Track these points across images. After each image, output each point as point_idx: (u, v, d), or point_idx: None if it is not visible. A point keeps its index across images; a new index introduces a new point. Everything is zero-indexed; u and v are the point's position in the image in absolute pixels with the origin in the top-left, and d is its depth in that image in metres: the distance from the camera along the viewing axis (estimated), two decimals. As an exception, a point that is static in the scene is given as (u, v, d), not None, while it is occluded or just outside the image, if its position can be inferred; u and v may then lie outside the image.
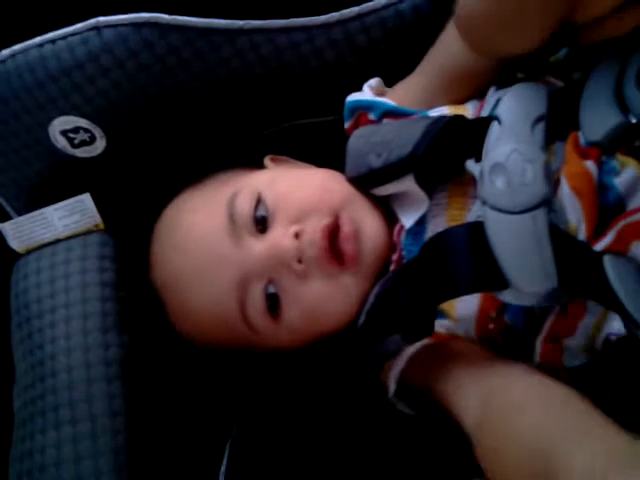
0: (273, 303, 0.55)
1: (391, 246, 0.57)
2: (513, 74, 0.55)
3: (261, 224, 0.56)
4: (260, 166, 0.63)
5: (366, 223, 0.56)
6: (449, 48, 0.55)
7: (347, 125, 0.61)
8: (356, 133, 0.58)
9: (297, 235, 0.54)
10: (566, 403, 0.42)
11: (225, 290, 0.55)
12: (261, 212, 0.56)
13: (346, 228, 0.54)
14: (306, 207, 0.55)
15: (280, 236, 0.54)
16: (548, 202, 0.46)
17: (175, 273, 0.58)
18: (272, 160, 0.64)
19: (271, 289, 0.55)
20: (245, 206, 0.56)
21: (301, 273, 0.54)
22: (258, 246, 0.55)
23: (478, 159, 0.50)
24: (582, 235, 0.46)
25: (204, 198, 0.60)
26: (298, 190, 0.57)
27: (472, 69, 0.55)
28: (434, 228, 0.54)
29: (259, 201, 0.56)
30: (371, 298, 0.54)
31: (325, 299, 0.55)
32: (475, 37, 0.51)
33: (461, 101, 0.57)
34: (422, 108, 0.57)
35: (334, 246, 0.54)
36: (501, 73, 0.55)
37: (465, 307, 0.52)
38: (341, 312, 0.55)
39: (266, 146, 0.65)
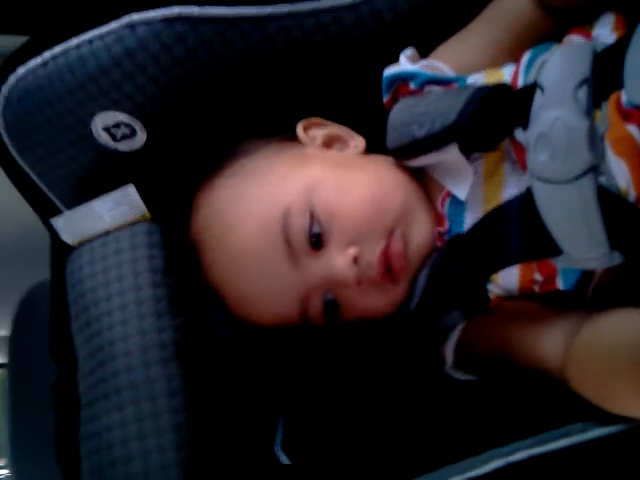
0: (332, 310, 0.58)
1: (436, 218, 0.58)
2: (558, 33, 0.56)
3: (316, 240, 0.56)
4: (291, 133, 0.63)
5: (416, 233, 0.57)
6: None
7: (385, 99, 0.61)
8: (398, 106, 0.58)
9: (355, 259, 0.55)
10: None
11: (289, 307, 0.58)
12: (316, 230, 0.56)
13: (396, 249, 0.56)
14: (362, 228, 0.56)
15: (339, 260, 0.56)
16: (595, 168, 0.46)
17: (235, 292, 0.59)
18: (305, 129, 0.63)
19: (329, 296, 0.58)
20: (300, 227, 0.56)
21: (360, 290, 0.56)
22: (316, 267, 0.56)
23: (525, 128, 0.50)
24: (632, 198, 0.46)
25: (251, 201, 0.58)
26: (352, 206, 0.56)
27: (537, 21, 0.56)
28: (473, 197, 0.55)
29: (312, 217, 0.56)
30: (421, 280, 0.55)
31: (379, 305, 0.58)
32: None
33: (517, 60, 0.56)
34: (480, 67, 0.57)
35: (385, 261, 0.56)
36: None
37: (506, 276, 0.53)
38: (391, 310, 0.58)
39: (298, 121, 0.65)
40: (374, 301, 0.57)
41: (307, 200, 0.56)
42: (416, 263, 0.57)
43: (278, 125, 0.64)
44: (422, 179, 0.60)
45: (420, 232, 0.57)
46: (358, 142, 0.63)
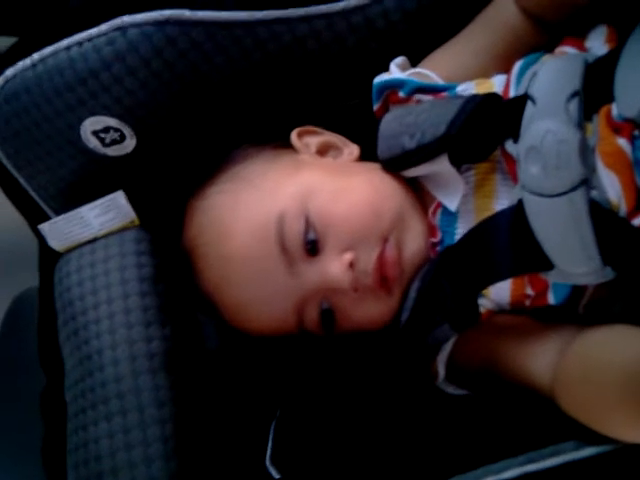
0: (328, 319, 0.58)
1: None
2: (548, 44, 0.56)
3: (311, 246, 0.56)
4: (284, 141, 0.63)
5: (409, 240, 0.56)
6: (507, 8, 0.56)
7: (376, 107, 0.61)
8: (388, 116, 0.58)
9: (351, 264, 0.55)
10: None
11: (284, 315, 0.57)
12: (311, 236, 0.55)
13: (390, 256, 0.55)
14: (357, 235, 0.55)
15: (335, 266, 0.55)
16: (586, 181, 0.46)
17: (231, 299, 0.59)
18: (299, 136, 0.63)
19: (325, 304, 0.57)
20: (295, 233, 0.55)
21: (355, 297, 0.56)
22: (312, 273, 0.56)
23: (516, 140, 0.49)
24: (623, 212, 0.45)
25: (245, 207, 0.58)
26: (347, 211, 0.56)
27: (527, 33, 0.56)
28: (465, 208, 0.54)
29: (307, 223, 0.56)
30: (412, 293, 0.55)
31: (374, 315, 0.57)
32: None
33: (507, 69, 0.56)
34: (470, 75, 0.57)
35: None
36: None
37: (498, 290, 0.52)
38: (386, 320, 0.57)
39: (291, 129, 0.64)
40: (369, 310, 0.57)
41: (302, 206, 0.56)
42: (410, 272, 0.56)
43: (270, 132, 0.64)
44: (415, 188, 0.59)
45: (414, 240, 0.57)
46: (352, 150, 0.62)
